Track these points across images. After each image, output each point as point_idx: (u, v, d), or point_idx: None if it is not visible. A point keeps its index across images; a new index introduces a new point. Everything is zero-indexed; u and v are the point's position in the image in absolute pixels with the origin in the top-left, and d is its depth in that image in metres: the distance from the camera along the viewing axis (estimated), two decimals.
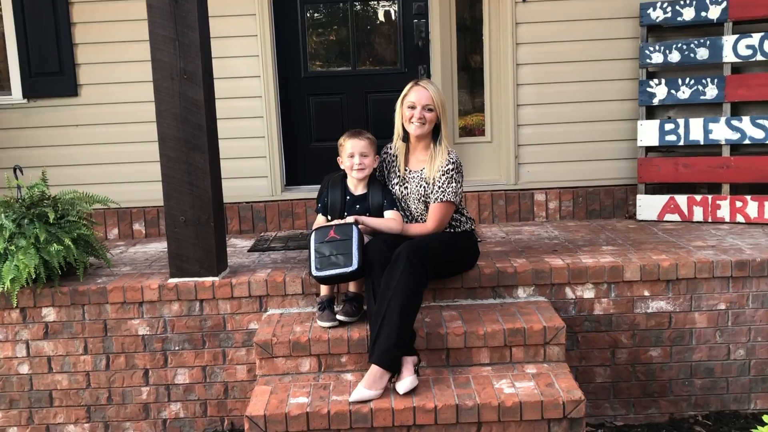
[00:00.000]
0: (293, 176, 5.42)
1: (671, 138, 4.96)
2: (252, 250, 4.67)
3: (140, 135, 5.09)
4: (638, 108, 5.07)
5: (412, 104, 3.68)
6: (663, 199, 4.97)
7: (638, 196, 5.03)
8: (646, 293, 3.94)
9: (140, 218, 5.25)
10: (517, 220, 5.25)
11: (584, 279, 3.92)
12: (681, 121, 4.93)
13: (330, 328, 3.60)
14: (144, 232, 5.26)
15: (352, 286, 3.70)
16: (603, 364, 4.00)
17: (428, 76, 5.25)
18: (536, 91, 5.15)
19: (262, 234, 5.17)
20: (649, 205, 5.00)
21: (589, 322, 3.96)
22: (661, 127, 4.98)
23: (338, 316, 3.63)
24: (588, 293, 3.94)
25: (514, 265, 3.96)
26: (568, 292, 3.95)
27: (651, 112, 5.09)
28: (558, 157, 5.21)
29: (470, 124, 5.49)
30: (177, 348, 3.99)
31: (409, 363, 3.32)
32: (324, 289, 3.74)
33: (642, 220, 5.02)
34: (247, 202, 5.25)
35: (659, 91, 4.99)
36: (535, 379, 3.36)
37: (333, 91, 5.39)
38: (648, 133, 5.01)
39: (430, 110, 3.67)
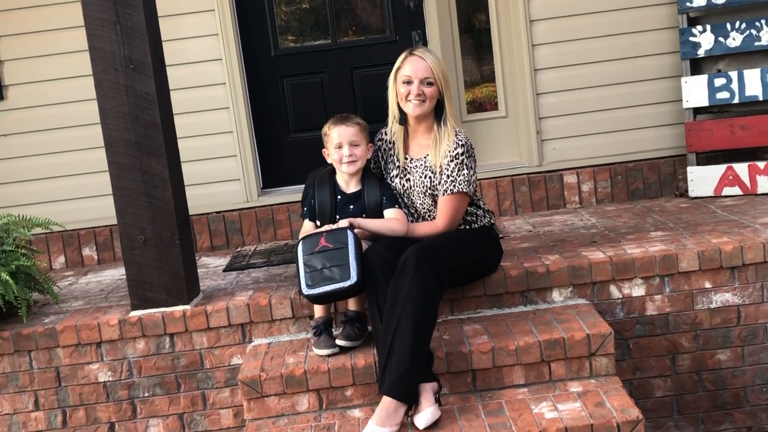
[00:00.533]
0: (271, 177, 5.43)
1: (723, 95, 4.96)
2: (228, 269, 4.67)
3: (83, 141, 5.09)
4: (681, 62, 5.07)
5: (408, 78, 3.67)
6: (719, 169, 4.97)
7: (689, 169, 5.03)
8: (708, 285, 3.94)
9: (90, 241, 5.24)
10: (544, 209, 5.25)
11: (631, 274, 3.92)
12: (734, 74, 4.93)
13: (329, 356, 3.60)
14: (96, 257, 5.26)
15: (352, 304, 3.70)
16: (662, 374, 4.00)
17: (425, 44, 5.25)
18: (556, 51, 5.15)
19: (238, 249, 5.17)
20: (702, 179, 5.00)
21: (642, 325, 3.96)
22: (710, 83, 4.98)
23: (338, 341, 3.63)
24: (637, 290, 3.95)
25: (546, 263, 3.96)
26: (614, 291, 3.95)
27: (697, 66, 5.08)
28: (588, 129, 5.21)
29: (479, 97, 5.49)
30: (147, 394, 3.99)
31: (428, 391, 3.32)
32: (319, 310, 3.74)
33: (695, 197, 5.02)
34: (217, 212, 5.25)
35: (704, 39, 4.98)
36: (581, 398, 3.36)
37: (311, 69, 5.40)
38: (695, 91, 5.00)
39: (430, 84, 3.67)
